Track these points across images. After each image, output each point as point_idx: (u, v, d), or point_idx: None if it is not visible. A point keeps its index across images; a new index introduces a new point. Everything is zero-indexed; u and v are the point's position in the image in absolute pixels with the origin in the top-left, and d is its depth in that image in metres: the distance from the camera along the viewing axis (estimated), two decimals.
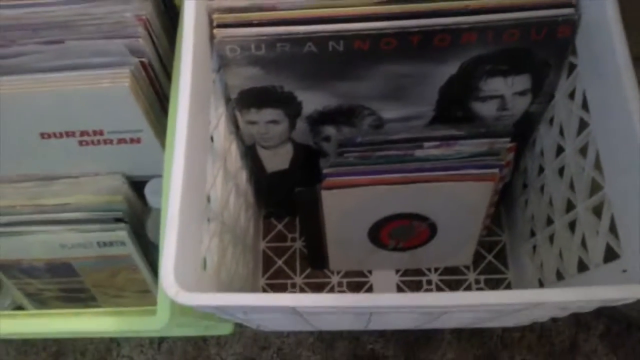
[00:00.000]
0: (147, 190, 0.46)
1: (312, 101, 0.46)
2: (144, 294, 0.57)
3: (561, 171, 0.46)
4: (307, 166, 0.53)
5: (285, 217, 0.64)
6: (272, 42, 0.40)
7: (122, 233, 0.49)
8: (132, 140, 0.45)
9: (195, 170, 0.36)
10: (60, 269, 0.53)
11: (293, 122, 0.48)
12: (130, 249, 0.51)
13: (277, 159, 0.53)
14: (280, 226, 0.64)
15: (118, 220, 0.49)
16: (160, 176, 0.47)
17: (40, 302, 0.58)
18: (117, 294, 0.57)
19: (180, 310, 0.39)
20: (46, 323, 0.39)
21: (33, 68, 0.40)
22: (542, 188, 0.51)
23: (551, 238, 0.49)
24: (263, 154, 0.52)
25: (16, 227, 0.49)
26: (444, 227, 0.54)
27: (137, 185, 0.51)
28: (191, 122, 0.35)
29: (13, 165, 0.49)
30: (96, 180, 0.50)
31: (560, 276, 0.47)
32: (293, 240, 0.63)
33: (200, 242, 0.37)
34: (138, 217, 0.51)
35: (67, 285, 0.56)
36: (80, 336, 0.59)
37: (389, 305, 0.28)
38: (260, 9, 0.41)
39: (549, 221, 0.49)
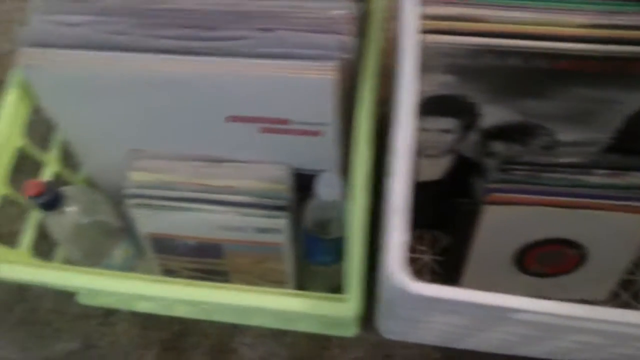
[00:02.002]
0: (321, 183, 0.47)
1: (494, 115, 0.46)
2: (279, 285, 0.58)
3: None
4: (457, 179, 0.53)
5: (416, 229, 0.64)
6: (478, 52, 0.41)
7: (282, 221, 0.50)
8: (313, 133, 0.47)
9: None
10: (208, 250, 0.55)
11: (465, 134, 0.49)
12: (284, 238, 0.52)
13: (432, 169, 0.54)
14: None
15: (280, 208, 0.50)
16: (326, 171, 0.49)
17: None
18: (253, 281, 0.58)
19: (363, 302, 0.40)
20: (239, 296, 0.40)
21: (243, 53, 0.42)
22: None
23: None
24: (421, 162, 0.53)
25: (182, 202, 0.51)
26: (595, 258, 0.53)
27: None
28: (412, 120, 0.36)
29: (190, 144, 0.51)
30: (263, 167, 0.51)
31: None
32: (422, 252, 0.63)
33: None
34: (294, 208, 0.52)
35: (207, 266, 0.57)
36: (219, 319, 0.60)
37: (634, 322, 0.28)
38: (469, 19, 0.42)
39: None
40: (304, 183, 0.52)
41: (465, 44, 0.41)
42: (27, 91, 0.49)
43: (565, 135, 0.47)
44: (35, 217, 0.52)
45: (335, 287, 0.62)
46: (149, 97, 0.46)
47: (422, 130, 0.49)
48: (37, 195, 0.46)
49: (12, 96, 0.47)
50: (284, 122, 0.46)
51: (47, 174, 0.54)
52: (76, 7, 0.45)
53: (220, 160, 0.52)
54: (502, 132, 0.48)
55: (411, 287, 0.32)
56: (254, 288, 0.41)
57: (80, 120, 0.50)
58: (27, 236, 0.51)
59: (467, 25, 0.41)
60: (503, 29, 0.41)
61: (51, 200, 0.47)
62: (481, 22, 0.41)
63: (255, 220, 0.51)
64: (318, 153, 0.49)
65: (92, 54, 0.43)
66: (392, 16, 0.48)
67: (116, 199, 0.54)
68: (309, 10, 0.43)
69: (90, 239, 0.52)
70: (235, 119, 0.47)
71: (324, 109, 0.44)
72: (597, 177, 0.48)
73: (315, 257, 0.54)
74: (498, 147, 0.50)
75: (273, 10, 0.43)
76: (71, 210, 0.49)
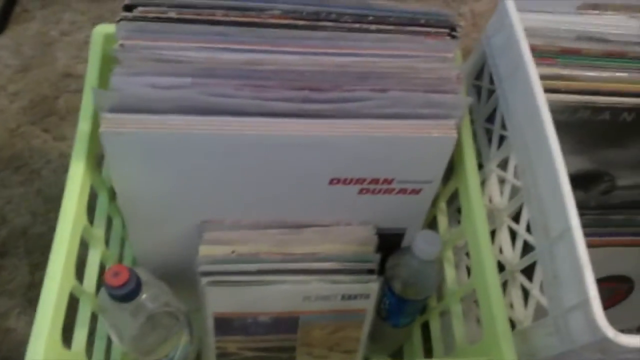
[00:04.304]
0: (421, 241, 0.46)
1: (570, 165, 0.49)
2: (349, 355, 0.55)
3: None
4: None
5: None
6: (576, 108, 0.44)
7: (374, 285, 0.48)
8: (412, 192, 0.46)
9: None
10: (282, 324, 0.50)
11: None
12: (371, 304, 0.49)
13: None
14: None
15: (370, 271, 0.48)
16: (426, 229, 0.48)
17: None
18: (321, 354, 0.54)
19: None
20: None
21: (362, 114, 0.41)
22: None
23: None
24: None
25: (262, 276, 0.47)
26: (638, 290, 0.58)
27: None
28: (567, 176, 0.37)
29: (276, 210, 0.47)
30: (347, 229, 0.49)
31: None
32: None
33: None
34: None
35: (274, 343, 0.52)
36: None
37: None
38: (564, 78, 0.45)
39: None
40: (383, 243, 0.50)
41: (563, 102, 0.44)
42: (91, 162, 0.42)
43: (625, 180, 0.52)
44: (88, 309, 0.44)
45: (396, 349, 0.60)
46: (249, 163, 0.42)
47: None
48: (123, 285, 0.39)
49: (78, 169, 0.41)
50: (388, 182, 0.45)
51: (95, 256, 0.46)
52: (169, 68, 0.40)
53: (299, 226, 0.48)
54: (572, 181, 0.51)
55: (622, 340, 0.32)
56: None
57: (153, 191, 0.44)
58: (82, 334, 0.43)
59: (563, 84, 0.45)
60: (597, 87, 0.45)
61: (134, 289, 0.40)
62: (575, 81, 0.45)
63: (344, 287, 0.48)
64: (409, 212, 0.49)
65: (195, 118, 0.39)
66: None
67: (165, 278, 0.48)
68: (420, 70, 0.43)
69: (161, 329, 0.45)
70: (338, 181, 0.44)
71: (436, 167, 0.44)
72: None
73: (395, 319, 0.52)
74: None
75: (383, 72, 0.42)
76: (144, 297, 0.42)
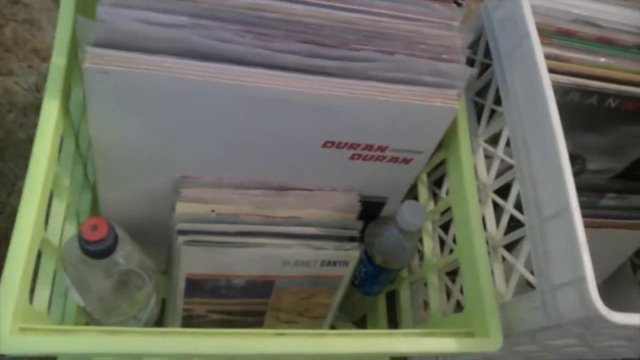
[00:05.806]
0: (406, 212, 0.46)
1: None
2: (317, 320, 0.54)
3: None
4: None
5: None
6: (568, 90, 0.45)
7: (354, 253, 0.47)
8: (402, 161, 0.45)
9: None
10: (256, 288, 0.48)
11: None
12: (349, 271, 0.49)
13: None
14: None
15: (351, 239, 0.47)
16: (410, 200, 0.48)
17: (193, 327, 0.51)
18: (290, 319, 0.53)
19: None
20: (385, 343, 0.36)
21: (370, 76, 0.39)
22: None
23: None
24: None
25: (242, 237, 0.45)
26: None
27: None
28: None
29: (261, 170, 0.44)
30: (331, 195, 0.47)
31: None
32: None
33: None
34: None
35: (244, 307, 0.50)
36: None
37: None
38: (557, 58, 0.45)
39: None
40: (363, 211, 0.49)
41: (558, 82, 0.45)
42: (65, 102, 0.38)
43: (593, 164, 0.54)
44: (52, 265, 0.40)
45: (360, 317, 0.60)
46: (242, 117, 0.39)
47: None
48: (101, 240, 0.35)
49: (52, 109, 0.36)
50: (382, 149, 0.44)
51: (60, 207, 0.41)
52: (164, 3, 0.36)
53: (283, 189, 0.46)
54: None
55: (614, 317, 0.33)
56: (387, 332, 0.38)
57: (133, 137, 0.40)
58: (45, 291, 0.39)
59: (557, 64, 0.45)
60: (588, 71, 0.45)
61: (112, 245, 0.37)
62: (568, 63, 0.45)
63: (325, 253, 0.47)
64: (395, 181, 0.48)
65: (192, 63, 0.35)
66: None
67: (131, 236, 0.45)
68: (426, 35, 0.41)
69: (131, 288, 0.42)
70: (332, 144, 0.43)
71: (431, 137, 0.43)
72: (607, 200, 0.56)
73: (369, 287, 0.52)
74: None
75: (391, 33, 0.40)
76: (119, 255, 0.39)
